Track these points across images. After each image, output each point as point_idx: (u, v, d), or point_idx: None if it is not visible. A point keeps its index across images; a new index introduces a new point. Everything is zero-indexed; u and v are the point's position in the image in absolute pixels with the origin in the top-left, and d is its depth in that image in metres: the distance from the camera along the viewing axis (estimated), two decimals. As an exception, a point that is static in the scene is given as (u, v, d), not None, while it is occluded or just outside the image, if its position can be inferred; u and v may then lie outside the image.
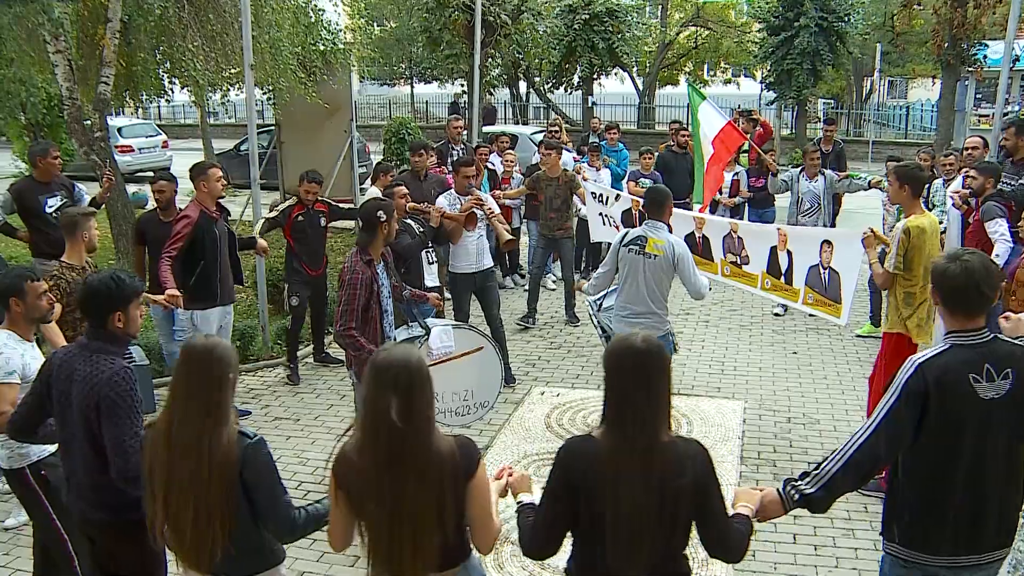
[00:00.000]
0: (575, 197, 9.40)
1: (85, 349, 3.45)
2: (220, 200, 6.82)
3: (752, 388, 7.52)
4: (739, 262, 7.42)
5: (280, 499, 3.03)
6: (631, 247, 5.88)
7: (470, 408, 5.93)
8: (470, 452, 2.74)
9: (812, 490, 3.02)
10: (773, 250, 7.60)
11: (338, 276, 5.18)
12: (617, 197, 9.25)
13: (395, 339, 5.38)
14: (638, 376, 2.65)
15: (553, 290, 10.76)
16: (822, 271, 7.26)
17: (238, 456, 2.91)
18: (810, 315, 8.35)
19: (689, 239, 7.99)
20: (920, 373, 2.98)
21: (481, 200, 7.42)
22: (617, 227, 9.09)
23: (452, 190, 7.57)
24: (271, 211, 7.86)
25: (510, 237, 7.64)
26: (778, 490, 3.07)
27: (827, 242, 7.34)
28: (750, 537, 2.82)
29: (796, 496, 3.04)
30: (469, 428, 6.05)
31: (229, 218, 7.13)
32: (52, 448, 3.99)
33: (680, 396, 7.02)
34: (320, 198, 7.91)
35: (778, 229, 7.70)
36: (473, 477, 2.72)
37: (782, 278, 7.51)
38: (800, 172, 9.64)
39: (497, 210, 7.75)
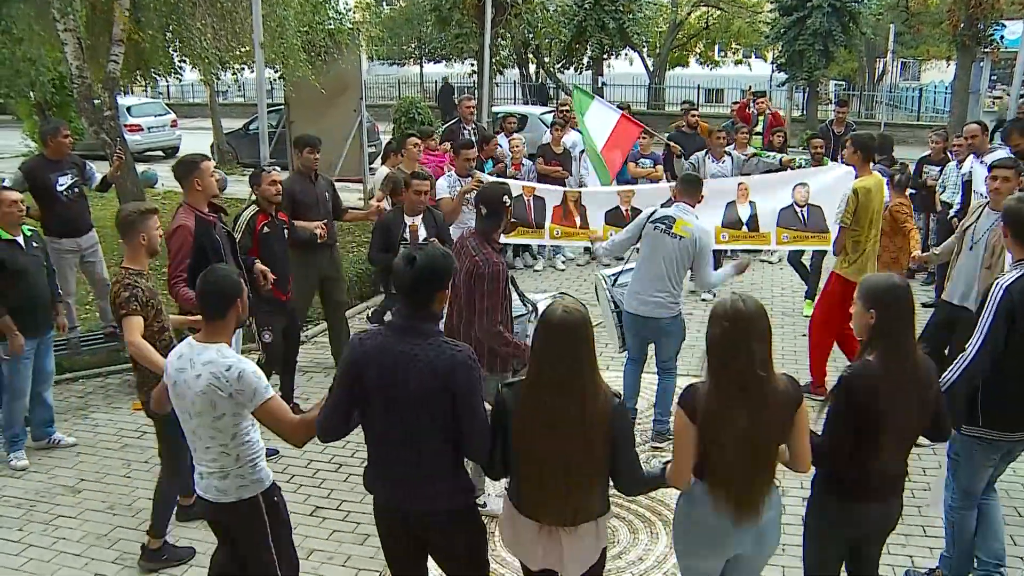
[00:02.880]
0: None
1: (410, 333, 3.15)
2: (214, 199, 5.63)
3: (762, 370, 7.49)
4: None
5: (637, 457, 3.19)
6: (658, 225, 5.84)
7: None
8: (797, 385, 3.17)
9: None
10: (730, 204, 7.82)
11: (469, 269, 4.73)
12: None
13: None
14: (902, 311, 3.25)
15: (563, 270, 10.76)
16: (798, 209, 7.75)
17: (611, 414, 3.05)
18: (799, 251, 8.92)
19: (614, 213, 8.27)
20: (1008, 293, 3.83)
21: (482, 182, 7.00)
22: None
23: (453, 172, 7.38)
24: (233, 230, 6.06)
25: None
26: None
27: (801, 184, 7.80)
28: None
29: None
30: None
31: (225, 218, 5.82)
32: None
33: (691, 378, 7.00)
34: (282, 206, 6.38)
35: (739, 184, 7.95)
36: (800, 406, 3.15)
37: (743, 227, 7.82)
38: (706, 154, 9.68)
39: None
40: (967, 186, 7.88)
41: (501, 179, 9.00)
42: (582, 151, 10.73)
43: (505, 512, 3.34)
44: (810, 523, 3.57)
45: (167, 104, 25.64)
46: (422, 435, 3.16)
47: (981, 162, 7.72)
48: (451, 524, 3.31)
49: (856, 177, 6.63)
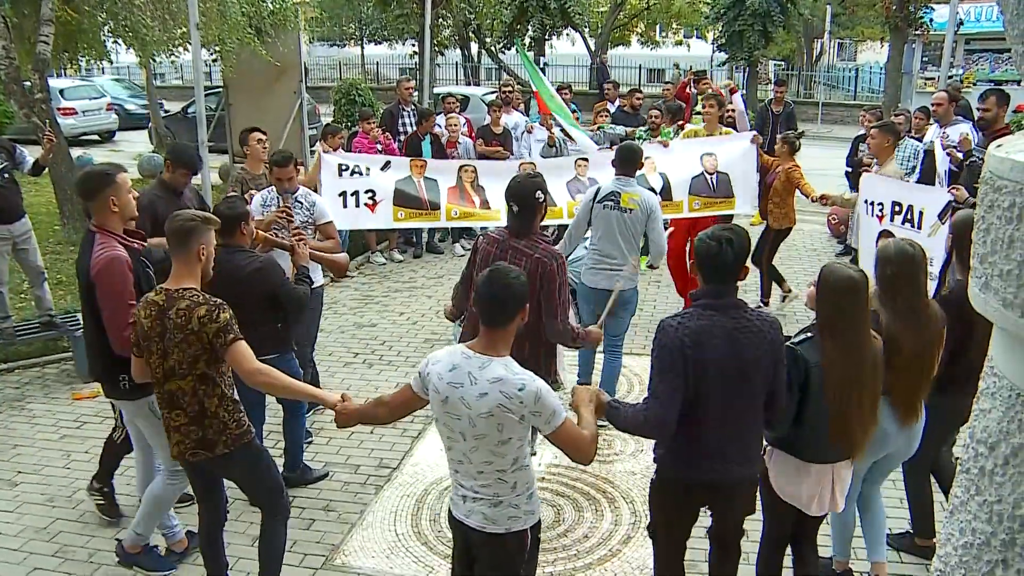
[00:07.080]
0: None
1: (733, 308, 3.32)
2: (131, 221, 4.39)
3: (703, 348, 7.61)
4: None
5: None
6: (605, 203, 5.93)
7: None
8: (939, 307, 3.92)
9: None
10: (640, 177, 8.04)
11: (532, 270, 4.24)
12: (387, 164, 8.88)
13: None
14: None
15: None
16: (708, 177, 8.31)
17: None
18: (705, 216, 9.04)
19: None
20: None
21: (287, 211, 5.64)
22: (373, 206, 8.61)
23: (273, 189, 5.97)
24: None
25: (300, 251, 5.10)
26: None
27: (708, 153, 8.25)
28: None
29: None
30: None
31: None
32: None
33: (631, 356, 7.11)
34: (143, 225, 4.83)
35: (646, 157, 8.19)
36: (947, 323, 3.90)
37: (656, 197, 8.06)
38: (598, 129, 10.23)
39: (327, 217, 5.96)
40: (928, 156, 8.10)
41: (387, 157, 9.07)
42: (523, 131, 10.74)
43: (784, 468, 3.70)
44: None
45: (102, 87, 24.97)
46: (752, 403, 3.37)
47: (944, 133, 8.05)
48: (751, 488, 3.60)
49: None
